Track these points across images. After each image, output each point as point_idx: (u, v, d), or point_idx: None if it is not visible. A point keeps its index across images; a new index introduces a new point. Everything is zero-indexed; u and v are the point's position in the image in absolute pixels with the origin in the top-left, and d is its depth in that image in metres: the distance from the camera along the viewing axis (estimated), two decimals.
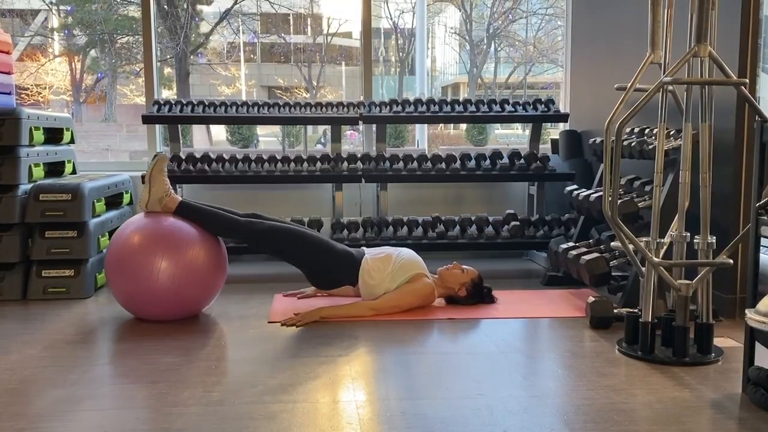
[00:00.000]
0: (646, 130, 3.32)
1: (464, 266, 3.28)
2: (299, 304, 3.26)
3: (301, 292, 3.45)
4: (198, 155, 4.12)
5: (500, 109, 4.40)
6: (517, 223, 4.10)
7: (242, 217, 3.16)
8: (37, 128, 3.64)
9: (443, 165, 4.19)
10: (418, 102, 4.41)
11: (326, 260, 3.16)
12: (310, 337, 2.79)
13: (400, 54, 15.78)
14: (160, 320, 2.99)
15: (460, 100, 4.44)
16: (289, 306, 3.23)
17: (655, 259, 2.51)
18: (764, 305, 1.99)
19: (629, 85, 2.58)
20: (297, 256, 3.17)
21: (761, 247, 2.30)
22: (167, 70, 12.34)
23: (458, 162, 4.23)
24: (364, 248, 3.32)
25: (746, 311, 2.04)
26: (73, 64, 13.82)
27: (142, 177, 3.15)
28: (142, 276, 2.86)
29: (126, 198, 4.21)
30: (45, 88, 13.60)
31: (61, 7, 13.62)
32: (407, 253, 3.25)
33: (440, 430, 1.89)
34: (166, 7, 12.11)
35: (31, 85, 13.34)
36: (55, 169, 3.97)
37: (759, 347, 2.18)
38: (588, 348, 2.66)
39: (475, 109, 4.39)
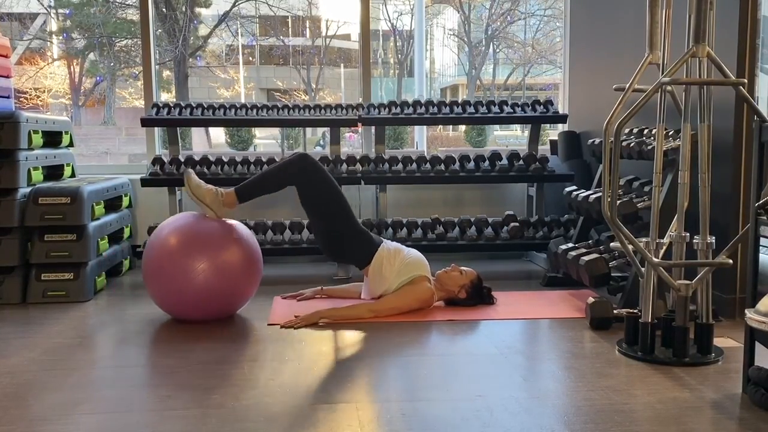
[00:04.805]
0: (645, 131, 3.32)
1: (463, 268, 3.28)
2: (298, 307, 3.26)
3: (300, 294, 3.45)
4: (197, 158, 4.12)
5: (499, 111, 4.40)
6: (517, 224, 4.10)
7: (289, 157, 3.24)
8: (35, 132, 3.64)
9: (442, 166, 4.19)
10: (416, 104, 4.41)
11: (347, 226, 3.18)
12: (309, 339, 2.79)
13: (399, 56, 15.80)
14: (195, 321, 3.02)
15: (459, 101, 4.44)
16: (289, 308, 3.23)
17: (655, 260, 2.51)
18: (764, 305, 1.99)
19: (628, 85, 2.58)
20: (326, 209, 3.17)
21: (761, 247, 2.30)
22: (166, 73, 12.35)
23: (457, 163, 4.23)
24: (381, 237, 3.36)
25: (746, 311, 2.04)
26: (71, 67, 13.84)
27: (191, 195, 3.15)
28: (180, 276, 2.89)
29: (125, 201, 4.20)
30: (44, 91, 13.61)
31: (60, 11, 13.64)
32: (416, 253, 3.29)
33: None
34: (164, 10, 12.13)
35: (30, 89, 13.36)
36: (54, 172, 3.97)
37: (759, 347, 2.18)
38: (588, 349, 2.66)
39: (473, 111, 4.39)
